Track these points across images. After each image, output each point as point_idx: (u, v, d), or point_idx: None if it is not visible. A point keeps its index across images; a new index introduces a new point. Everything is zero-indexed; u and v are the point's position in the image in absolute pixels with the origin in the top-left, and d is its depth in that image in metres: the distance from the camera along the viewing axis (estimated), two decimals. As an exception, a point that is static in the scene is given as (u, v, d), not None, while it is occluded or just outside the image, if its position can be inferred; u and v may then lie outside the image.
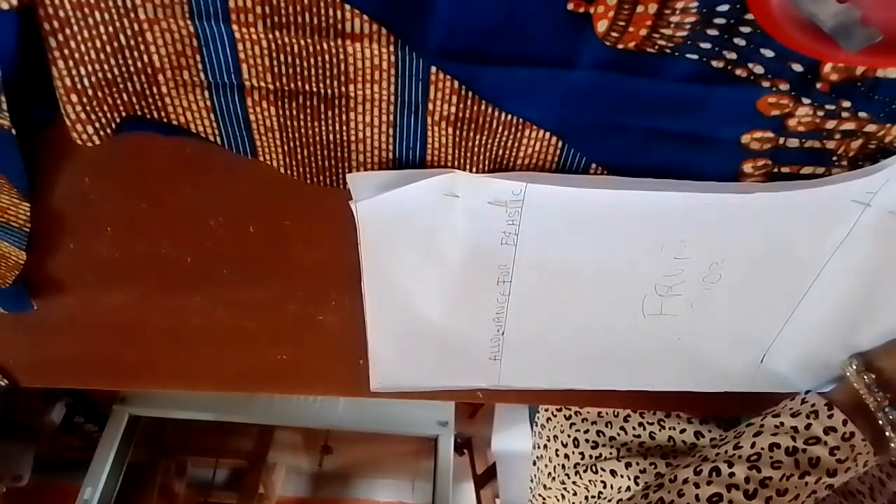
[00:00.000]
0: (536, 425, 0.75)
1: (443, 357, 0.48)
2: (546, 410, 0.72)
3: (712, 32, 0.32)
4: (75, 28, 0.31)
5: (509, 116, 0.35)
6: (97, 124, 0.34)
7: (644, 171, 0.37)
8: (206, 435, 1.51)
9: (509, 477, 1.41)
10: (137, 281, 0.44)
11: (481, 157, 0.37)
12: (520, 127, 0.35)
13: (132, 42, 0.32)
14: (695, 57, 0.33)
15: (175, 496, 1.50)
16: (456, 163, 0.37)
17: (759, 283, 0.43)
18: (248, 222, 0.41)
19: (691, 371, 0.49)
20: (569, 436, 0.66)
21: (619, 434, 0.62)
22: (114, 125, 0.35)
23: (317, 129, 0.36)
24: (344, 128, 0.36)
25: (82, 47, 0.31)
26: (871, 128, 0.35)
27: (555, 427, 0.69)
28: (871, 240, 0.40)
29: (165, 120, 0.36)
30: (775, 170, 0.37)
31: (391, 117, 0.35)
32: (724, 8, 0.31)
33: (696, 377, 0.50)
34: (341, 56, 0.33)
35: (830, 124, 0.35)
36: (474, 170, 0.37)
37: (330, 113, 0.35)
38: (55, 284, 0.44)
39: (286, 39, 0.32)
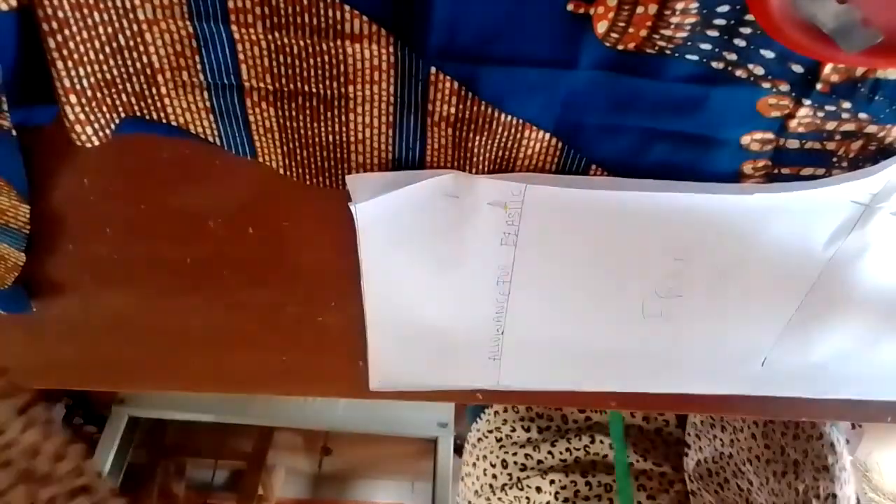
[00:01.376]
0: (468, 443, 0.77)
1: (442, 357, 0.48)
2: (477, 431, 0.75)
3: (712, 33, 0.32)
4: (74, 29, 0.31)
5: (509, 117, 0.35)
6: (96, 125, 0.34)
7: (644, 172, 0.37)
8: (205, 436, 1.51)
9: (509, 478, 1.41)
10: (137, 282, 0.44)
11: (481, 157, 0.37)
12: (520, 128, 0.35)
13: (131, 43, 0.32)
14: (695, 58, 0.33)
15: (174, 497, 1.50)
16: (456, 163, 0.37)
17: (759, 284, 0.43)
18: (248, 223, 0.41)
19: (691, 373, 0.49)
20: (497, 457, 0.69)
21: (546, 458, 0.66)
22: (113, 126, 0.35)
23: (316, 130, 0.36)
24: (343, 129, 0.36)
25: (81, 48, 0.31)
26: (871, 129, 0.35)
27: (485, 448, 0.72)
28: (872, 241, 0.40)
29: (164, 121, 0.36)
30: (775, 171, 0.37)
31: (391, 118, 0.35)
32: (724, 9, 0.31)
33: (696, 379, 0.50)
34: (341, 57, 0.33)
35: (831, 125, 0.35)
36: (474, 171, 0.37)
37: (329, 114, 0.35)
38: (54, 286, 0.44)
39: (286, 40, 0.32)
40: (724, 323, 0.45)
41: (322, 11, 0.31)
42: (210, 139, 0.36)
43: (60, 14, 0.30)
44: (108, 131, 0.35)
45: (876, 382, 0.49)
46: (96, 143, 0.34)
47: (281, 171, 0.38)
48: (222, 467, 1.55)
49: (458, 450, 1.63)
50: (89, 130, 0.34)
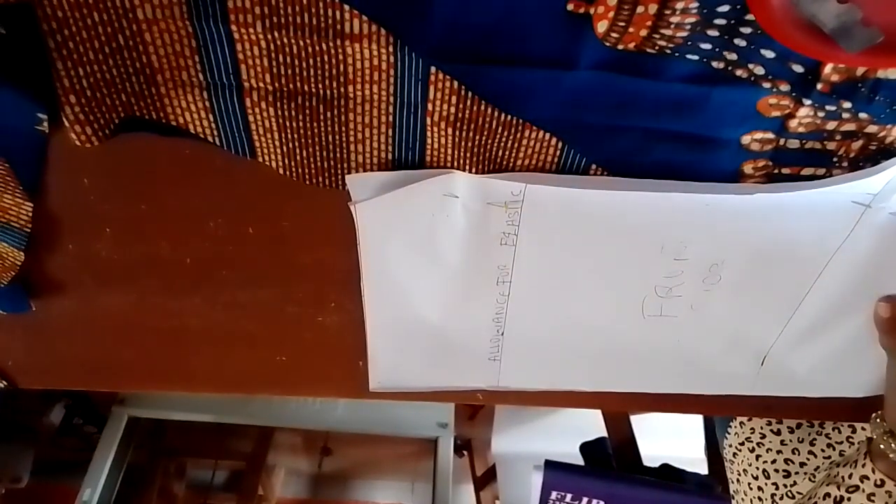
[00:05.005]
0: (726, 459, 0.75)
1: (442, 357, 0.48)
2: (730, 446, 0.72)
3: (713, 33, 0.32)
4: (74, 28, 0.31)
5: (509, 117, 0.35)
6: (96, 125, 0.34)
7: (644, 172, 0.37)
8: (205, 436, 1.51)
9: (509, 479, 1.41)
10: (136, 282, 0.44)
11: (481, 157, 0.37)
12: (519, 127, 0.35)
13: (131, 43, 0.32)
14: (695, 57, 0.33)
15: (174, 498, 1.50)
16: (455, 163, 0.37)
17: (759, 284, 0.43)
18: (248, 223, 0.41)
19: (691, 373, 0.49)
20: (758, 468, 0.67)
21: (808, 459, 0.62)
22: (112, 126, 0.35)
23: (316, 130, 0.36)
24: (343, 128, 0.36)
25: (81, 48, 0.31)
26: (871, 129, 0.35)
27: (742, 461, 0.70)
28: (872, 241, 0.40)
29: (164, 121, 0.36)
30: (776, 171, 0.37)
31: (390, 118, 0.35)
32: (724, 8, 0.31)
33: (696, 379, 0.50)
34: (340, 57, 0.33)
35: (831, 125, 0.35)
36: (474, 170, 0.37)
37: (329, 114, 0.35)
38: (54, 285, 0.44)
39: (285, 40, 0.32)
40: (724, 323, 0.45)
41: (322, 11, 0.31)
42: (209, 139, 0.36)
43: (60, 14, 0.30)
44: (107, 131, 0.35)
45: (876, 382, 0.49)
46: (96, 142, 0.34)
47: (280, 170, 0.38)
48: (222, 467, 1.55)
49: (458, 450, 1.64)
50: (89, 130, 0.34)
